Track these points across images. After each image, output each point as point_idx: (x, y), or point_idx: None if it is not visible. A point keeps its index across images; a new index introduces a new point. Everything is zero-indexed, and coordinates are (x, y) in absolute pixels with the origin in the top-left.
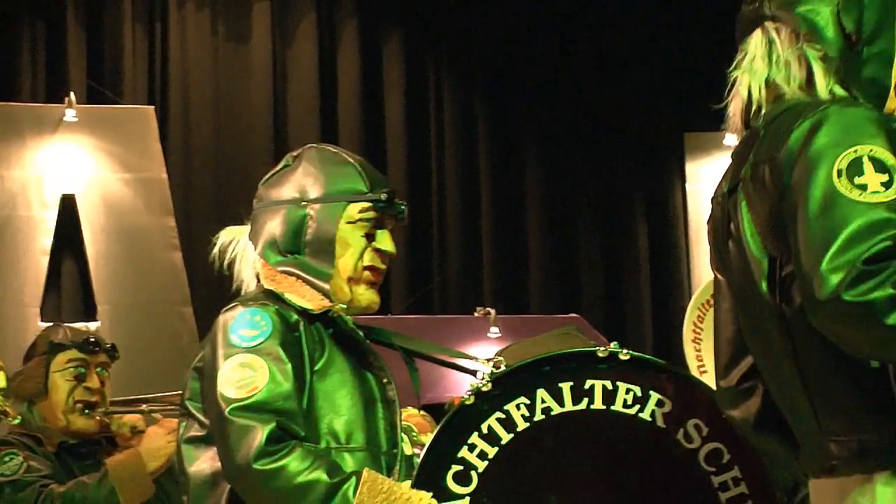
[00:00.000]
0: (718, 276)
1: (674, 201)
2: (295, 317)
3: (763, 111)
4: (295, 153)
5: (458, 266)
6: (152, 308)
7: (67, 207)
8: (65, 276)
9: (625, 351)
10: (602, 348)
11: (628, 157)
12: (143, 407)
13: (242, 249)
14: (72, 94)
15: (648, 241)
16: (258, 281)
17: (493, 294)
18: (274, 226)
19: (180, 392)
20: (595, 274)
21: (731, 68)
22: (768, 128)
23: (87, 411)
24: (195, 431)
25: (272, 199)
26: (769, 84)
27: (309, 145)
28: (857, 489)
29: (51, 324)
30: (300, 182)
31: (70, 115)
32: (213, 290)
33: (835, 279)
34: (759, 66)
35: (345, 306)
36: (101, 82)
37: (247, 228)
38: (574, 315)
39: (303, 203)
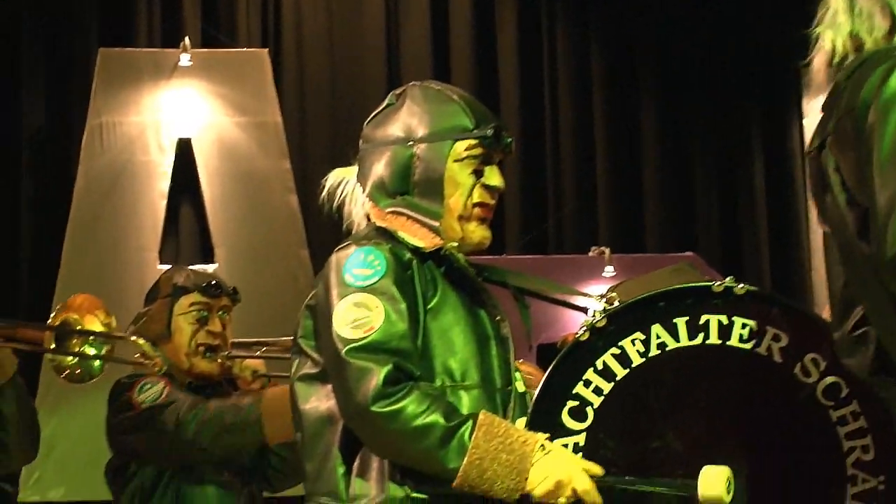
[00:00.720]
0: (824, 228)
1: (791, 136)
2: (408, 255)
3: (846, 61)
4: (398, 91)
5: (573, 205)
6: (269, 251)
7: (184, 152)
8: (182, 219)
9: (740, 285)
10: (717, 283)
11: (745, 93)
12: (262, 350)
13: (351, 191)
14: (187, 38)
15: (765, 177)
16: (368, 221)
17: (609, 233)
18: (381, 167)
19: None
20: (711, 212)
21: (813, 26)
22: (849, 81)
23: (209, 354)
24: (308, 369)
25: (377, 139)
26: (852, 37)
27: (412, 83)
28: None
29: (170, 266)
30: (405, 121)
31: (185, 59)
32: (328, 232)
33: None
34: (842, 19)
35: (456, 244)
36: (216, 26)
37: (355, 169)
38: (690, 253)
39: (409, 143)
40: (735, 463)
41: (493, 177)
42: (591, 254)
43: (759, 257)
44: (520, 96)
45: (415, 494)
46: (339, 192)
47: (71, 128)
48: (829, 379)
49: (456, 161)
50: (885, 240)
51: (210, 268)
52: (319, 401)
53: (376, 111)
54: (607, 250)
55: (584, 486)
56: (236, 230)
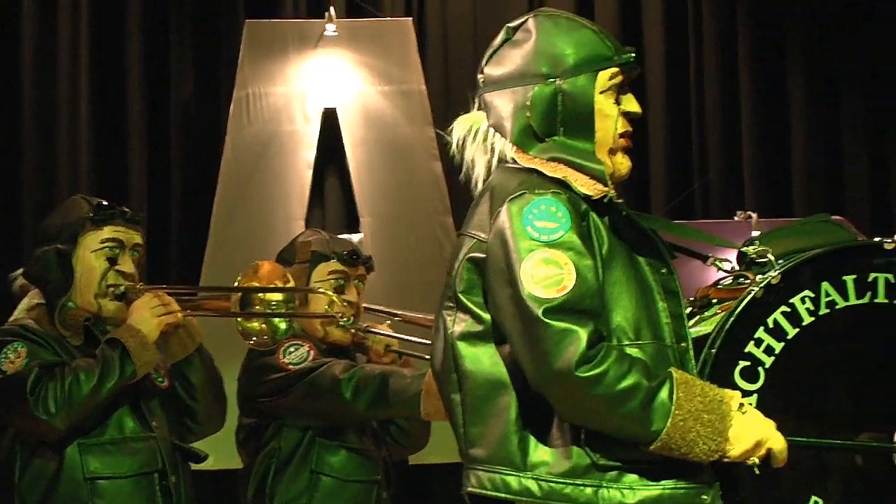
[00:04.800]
0: None
1: None
2: (584, 206)
3: None
4: (515, 24)
5: (719, 169)
6: (414, 219)
7: (329, 121)
8: (328, 188)
9: None
10: (889, 240)
11: (893, 53)
12: (388, 323)
13: (483, 140)
14: (332, 8)
15: None
16: (504, 166)
17: (755, 197)
18: (522, 108)
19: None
20: (860, 176)
21: None
22: None
23: (343, 324)
24: (471, 327)
25: (506, 79)
26: None
27: (533, 13)
28: None
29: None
30: (539, 56)
31: (330, 29)
32: (472, 199)
33: None
34: None
35: (614, 193)
36: None
37: (480, 115)
38: (838, 217)
39: (550, 79)
40: None
41: (632, 103)
42: (737, 218)
43: None
44: (664, 59)
45: (602, 461)
46: (469, 140)
47: (218, 99)
48: None
49: (602, 92)
50: None
51: (355, 237)
52: (487, 362)
53: (492, 48)
54: (754, 215)
55: (781, 444)
56: (381, 199)
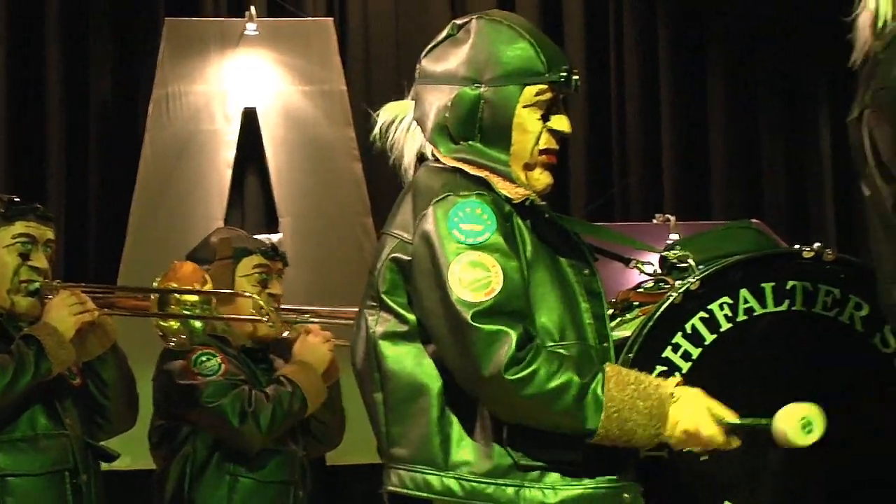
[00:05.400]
0: (865, 192)
1: None
2: (508, 207)
3: (886, 28)
4: (461, 21)
5: (638, 172)
6: (334, 219)
7: (249, 121)
8: (248, 188)
9: (829, 251)
10: (808, 248)
11: (812, 59)
12: (307, 317)
13: (406, 129)
14: (252, 7)
15: (832, 145)
16: (423, 162)
17: (673, 200)
18: (444, 108)
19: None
20: (777, 180)
21: None
22: (887, 50)
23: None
24: (394, 327)
25: (439, 75)
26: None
27: (478, 15)
28: None
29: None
30: (471, 59)
31: (251, 28)
32: (393, 200)
33: None
34: None
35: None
36: None
37: (409, 104)
38: (755, 221)
39: (476, 85)
40: None
41: (562, 123)
42: (655, 221)
43: (824, 226)
44: (585, 62)
45: (524, 461)
46: (392, 129)
47: (137, 98)
48: None
49: (525, 106)
50: None
51: (275, 237)
52: (410, 362)
53: (435, 42)
54: (672, 218)
55: (710, 431)
56: (301, 198)
